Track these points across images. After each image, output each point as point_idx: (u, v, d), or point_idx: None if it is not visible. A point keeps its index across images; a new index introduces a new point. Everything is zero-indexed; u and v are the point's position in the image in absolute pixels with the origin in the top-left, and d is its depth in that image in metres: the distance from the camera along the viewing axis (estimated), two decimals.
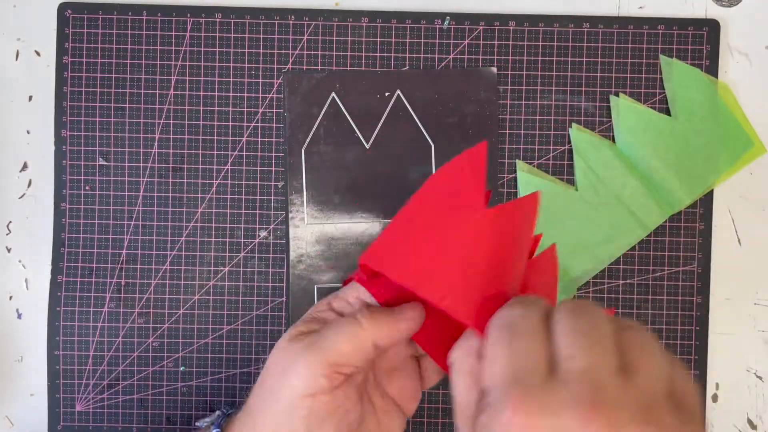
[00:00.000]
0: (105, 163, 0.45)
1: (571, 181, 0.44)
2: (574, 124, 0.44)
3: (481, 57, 0.44)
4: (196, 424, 0.39)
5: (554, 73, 0.44)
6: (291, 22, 0.45)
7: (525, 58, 0.44)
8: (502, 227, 0.29)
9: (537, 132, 0.44)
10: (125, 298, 0.44)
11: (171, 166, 0.45)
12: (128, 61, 0.45)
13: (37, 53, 0.45)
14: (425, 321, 0.33)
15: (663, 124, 0.43)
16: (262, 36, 0.45)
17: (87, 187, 0.45)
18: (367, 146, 0.44)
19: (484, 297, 0.28)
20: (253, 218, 0.44)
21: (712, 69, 0.44)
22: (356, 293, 0.34)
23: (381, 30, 0.44)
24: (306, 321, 0.34)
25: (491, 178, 0.44)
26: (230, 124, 0.45)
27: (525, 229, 0.31)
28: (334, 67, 0.44)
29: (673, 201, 0.43)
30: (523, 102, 0.44)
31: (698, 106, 0.43)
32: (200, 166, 0.45)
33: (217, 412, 0.38)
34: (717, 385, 0.44)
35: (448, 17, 0.44)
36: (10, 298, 0.45)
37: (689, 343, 0.44)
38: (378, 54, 0.45)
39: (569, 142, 0.44)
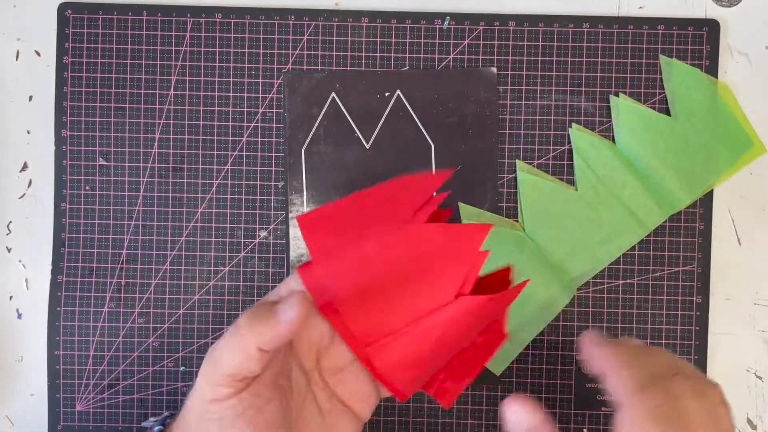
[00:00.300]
0: (105, 163, 0.45)
1: (571, 181, 0.44)
2: (574, 124, 0.44)
3: (481, 57, 0.44)
4: (143, 423, 0.39)
5: (554, 73, 0.44)
6: (291, 22, 0.45)
7: (525, 58, 0.44)
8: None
9: (537, 132, 0.44)
10: (125, 298, 0.44)
11: (171, 166, 0.45)
12: (128, 61, 0.45)
13: (37, 53, 0.45)
14: (353, 314, 0.32)
15: (663, 124, 0.43)
16: (262, 36, 0.45)
17: (87, 187, 0.45)
18: (367, 146, 0.44)
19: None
20: (253, 218, 0.44)
21: (712, 69, 0.44)
22: (290, 285, 0.33)
23: (381, 30, 0.44)
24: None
25: (490, 178, 0.44)
26: (230, 124, 0.45)
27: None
28: (334, 67, 0.44)
29: (673, 201, 0.43)
30: (523, 102, 0.44)
31: (698, 106, 0.43)
32: (200, 166, 0.45)
33: (165, 413, 0.37)
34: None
35: (448, 17, 0.44)
36: (10, 298, 0.45)
37: (689, 343, 0.44)
38: (378, 54, 0.45)
39: (569, 142, 0.44)
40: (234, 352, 0.29)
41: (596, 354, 0.33)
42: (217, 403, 0.30)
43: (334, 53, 0.45)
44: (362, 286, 0.32)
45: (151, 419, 0.38)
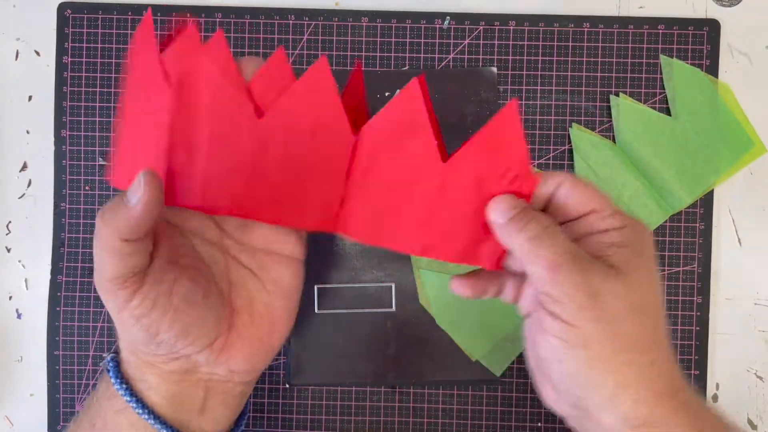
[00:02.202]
0: (105, 163, 0.45)
1: None
2: (574, 124, 0.44)
3: (481, 57, 0.44)
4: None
5: (554, 73, 0.44)
6: (291, 22, 0.45)
7: (525, 58, 0.44)
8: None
9: (537, 132, 0.44)
10: None
11: None
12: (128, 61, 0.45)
13: (37, 53, 0.45)
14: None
15: (663, 124, 0.43)
16: (262, 36, 0.45)
17: (87, 187, 0.45)
18: None
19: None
20: None
21: (712, 69, 0.44)
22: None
23: (381, 30, 0.44)
24: None
25: None
26: None
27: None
28: (334, 67, 0.44)
29: (673, 201, 0.43)
30: (523, 102, 0.44)
31: (698, 106, 0.43)
32: None
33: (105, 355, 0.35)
34: (717, 385, 0.44)
35: (448, 17, 0.44)
36: (10, 298, 0.45)
37: (689, 343, 0.44)
38: (378, 54, 0.44)
39: (569, 142, 0.44)
40: (105, 255, 0.28)
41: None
42: (126, 310, 0.29)
43: (334, 53, 0.44)
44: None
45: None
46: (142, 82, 0.31)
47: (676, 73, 0.44)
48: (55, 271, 0.45)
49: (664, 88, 0.44)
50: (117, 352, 0.33)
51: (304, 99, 0.30)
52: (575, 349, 0.27)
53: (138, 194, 0.27)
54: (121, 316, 0.29)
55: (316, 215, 0.31)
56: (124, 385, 0.31)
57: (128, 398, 0.31)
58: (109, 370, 0.32)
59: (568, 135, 0.44)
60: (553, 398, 0.30)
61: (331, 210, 0.31)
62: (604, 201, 0.30)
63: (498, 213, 0.30)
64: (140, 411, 0.31)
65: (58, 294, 0.44)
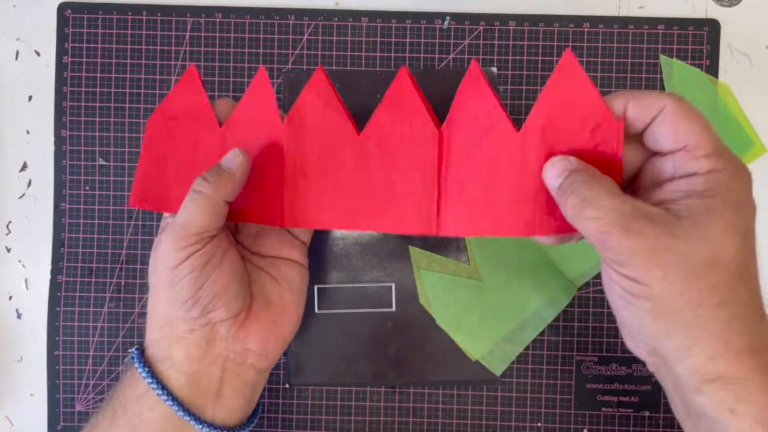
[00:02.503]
0: (105, 163, 0.45)
1: None
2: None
3: (481, 57, 0.44)
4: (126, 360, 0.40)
5: None
6: (291, 22, 0.45)
7: (525, 58, 0.44)
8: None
9: None
10: (125, 298, 0.44)
11: None
12: (128, 61, 0.45)
13: (37, 53, 0.45)
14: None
15: None
16: (262, 36, 0.45)
17: (87, 187, 0.45)
18: None
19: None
20: None
21: (712, 69, 0.44)
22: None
23: (381, 30, 0.44)
24: None
25: None
26: None
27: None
28: (334, 67, 0.44)
29: None
30: (523, 102, 0.44)
31: (699, 106, 0.43)
32: None
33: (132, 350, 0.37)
34: None
35: (448, 17, 0.44)
36: (10, 298, 0.45)
37: None
38: (378, 54, 0.44)
39: None
40: (202, 210, 0.32)
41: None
42: (185, 262, 0.33)
43: (334, 53, 0.44)
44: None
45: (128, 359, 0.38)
46: (185, 122, 0.36)
47: (676, 73, 0.44)
48: (55, 271, 0.45)
49: (663, 88, 0.44)
50: (140, 348, 0.36)
51: (393, 108, 0.33)
52: (641, 301, 0.27)
53: (237, 161, 0.33)
54: (177, 270, 0.33)
55: (417, 218, 0.33)
56: (146, 369, 0.34)
57: (149, 380, 0.33)
58: (133, 357, 0.35)
59: None
60: (631, 344, 0.30)
61: (429, 211, 0.33)
62: (703, 138, 0.27)
63: (548, 182, 0.30)
64: (160, 392, 0.33)
65: (58, 294, 0.44)
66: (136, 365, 0.34)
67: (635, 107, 0.28)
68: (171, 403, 0.33)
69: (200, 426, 0.34)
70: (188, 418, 0.33)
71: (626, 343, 0.30)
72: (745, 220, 0.27)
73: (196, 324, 0.34)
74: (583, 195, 0.27)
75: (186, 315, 0.34)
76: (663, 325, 0.27)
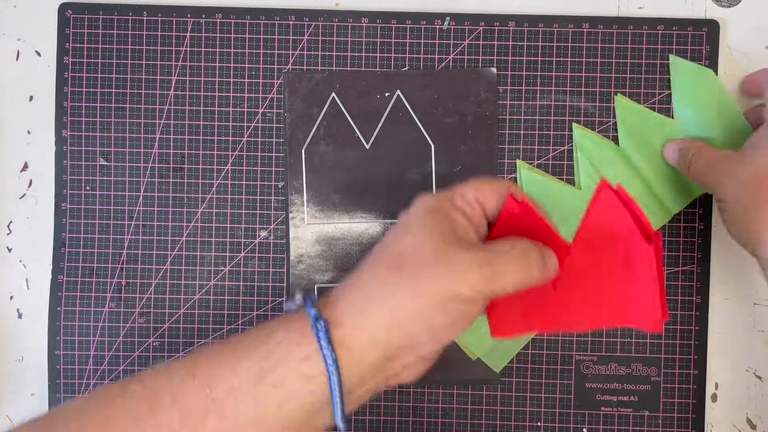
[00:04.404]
0: (105, 163, 0.45)
1: (571, 182, 0.44)
2: (574, 124, 0.44)
3: (480, 57, 0.44)
4: (285, 308, 0.37)
5: (554, 74, 0.44)
6: (291, 22, 0.45)
7: (525, 58, 0.44)
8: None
9: (537, 132, 0.44)
10: (126, 297, 0.45)
11: (171, 166, 0.45)
12: (129, 62, 0.45)
13: (38, 53, 0.45)
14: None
15: (666, 124, 0.43)
16: (262, 36, 0.45)
17: (87, 187, 0.45)
18: (367, 146, 0.44)
19: None
20: (254, 218, 0.45)
21: (712, 69, 0.44)
22: (475, 193, 0.33)
23: (381, 30, 0.44)
24: (445, 212, 0.32)
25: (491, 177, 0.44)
26: (230, 124, 0.45)
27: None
28: (334, 68, 0.44)
29: (675, 200, 0.43)
30: (523, 102, 0.44)
31: (706, 107, 0.43)
32: (200, 166, 0.45)
33: (298, 295, 0.34)
34: (716, 385, 0.44)
35: (448, 17, 0.44)
36: (11, 298, 0.45)
37: (689, 343, 0.44)
38: (378, 54, 0.45)
39: (569, 142, 0.44)
40: (519, 275, 0.32)
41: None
42: (457, 304, 0.31)
43: (334, 53, 0.45)
44: None
45: (291, 303, 0.34)
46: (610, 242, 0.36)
47: (685, 73, 0.43)
48: (56, 271, 0.45)
49: (663, 88, 0.44)
50: (318, 317, 0.31)
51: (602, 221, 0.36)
52: (724, 215, 0.39)
53: (556, 268, 0.34)
54: (449, 302, 0.30)
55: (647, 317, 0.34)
56: (330, 346, 0.30)
57: (330, 360, 0.30)
58: (315, 323, 0.31)
59: (568, 135, 0.44)
60: (732, 232, 0.39)
61: (654, 310, 0.34)
62: None
63: (668, 160, 0.43)
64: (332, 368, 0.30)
65: (59, 294, 0.45)
66: (323, 344, 0.30)
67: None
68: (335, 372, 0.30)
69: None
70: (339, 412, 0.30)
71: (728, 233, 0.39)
72: None
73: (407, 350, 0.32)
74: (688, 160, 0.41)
75: (415, 342, 0.31)
76: (736, 230, 0.38)
